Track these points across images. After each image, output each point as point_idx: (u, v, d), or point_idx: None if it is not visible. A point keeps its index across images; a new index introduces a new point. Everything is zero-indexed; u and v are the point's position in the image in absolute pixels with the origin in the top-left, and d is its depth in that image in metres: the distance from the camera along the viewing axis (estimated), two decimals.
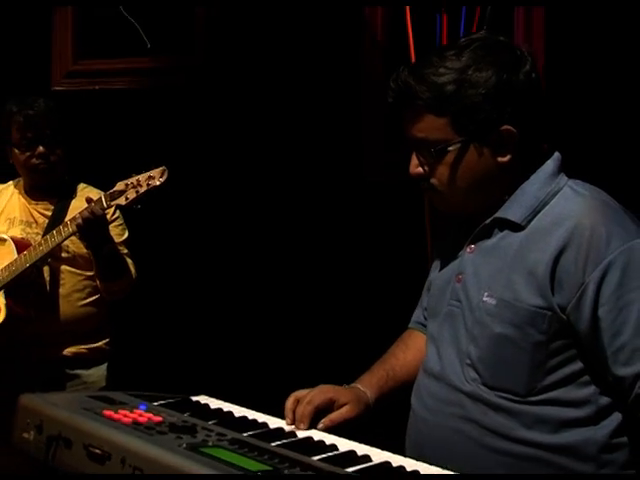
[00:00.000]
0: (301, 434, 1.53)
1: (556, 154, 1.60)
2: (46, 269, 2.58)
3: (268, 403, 1.68)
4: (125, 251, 2.66)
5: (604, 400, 1.49)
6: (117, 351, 2.79)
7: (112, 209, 2.61)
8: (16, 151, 2.65)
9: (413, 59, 4.30)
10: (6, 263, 2.54)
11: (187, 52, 4.87)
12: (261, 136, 4.68)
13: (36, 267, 2.52)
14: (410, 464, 1.36)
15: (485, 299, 1.52)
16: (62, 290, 2.61)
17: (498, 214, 1.57)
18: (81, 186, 2.77)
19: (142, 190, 2.31)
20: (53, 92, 5.12)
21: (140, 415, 1.47)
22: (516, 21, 4.09)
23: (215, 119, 4.80)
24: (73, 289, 2.61)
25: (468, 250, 1.61)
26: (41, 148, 2.61)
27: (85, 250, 2.57)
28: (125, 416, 1.46)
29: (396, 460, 1.38)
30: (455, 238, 1.69)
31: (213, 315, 4.61)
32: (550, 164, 1.58)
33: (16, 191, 2.73)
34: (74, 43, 5.18)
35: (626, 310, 1.42)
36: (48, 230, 2.61)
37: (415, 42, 4.32)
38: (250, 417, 1.58)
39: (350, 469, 1.29)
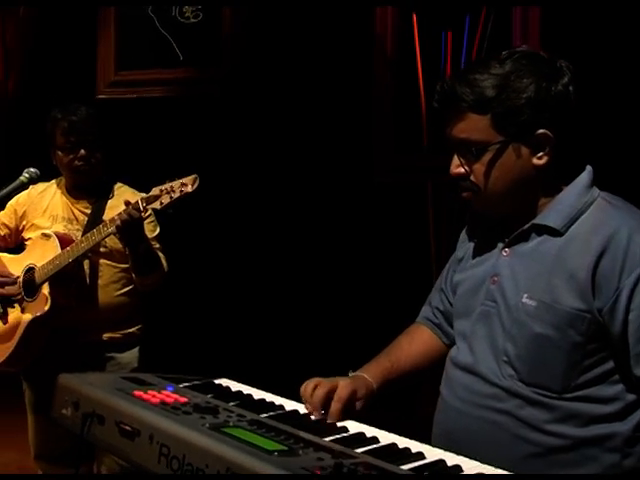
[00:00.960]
0: (314, 416, 1.49)
1: (589, 167, 1.56)
2: (86, 262, 2.57)
3: (284, 386, 1.64)
4: (157, 246, 2.63)
5: (630, 397, 1.45)
6: (148, 335, 2.77)
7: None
8: (60, 153, 2.63)
9: (420, 71, 4.28)
10: (50, 257, 2.52)
11: (214, 64, 4.89)
12: (280, 140, 4.67)
13: (77, 261, 2.50)
14: (415, 445, 1.32)
15: (525, 300, 1.47)
16: (100, 281, 2.60)
17: (537, 220, 1.52)
18: (117, 185, 2.75)
19: (175, 196, 2.28)
20: (97, 100, 5.14)
21: (167, 396, 1.44)
22: (514, 38, 4.04)
23: (238, 124, 4.81)
24: (110, 280, 2.60)
25: (504, 253, 1.55)
26: (83, 151, 2.58)
27: (121, 245, 2.55)
28: (154, 396, 1.43)
29: (402, 442, 1.34)
30: (484, 242, 1.63)
31: (236, 305, 4.63)
32: (585, 176, 1.54)
33: (59, 190, 2.71)
34: (116, 56, 5.21)
35: None
36: (88, 227, 2.59)
37: (422, 55, 4.31)
38: (268, 399, 1.55)
39: (359, 450, 1.26)
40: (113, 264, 2.62)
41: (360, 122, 4.52)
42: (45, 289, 2.53)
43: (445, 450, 1.30)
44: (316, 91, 4.58)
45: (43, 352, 2.56)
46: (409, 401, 1.71)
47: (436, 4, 4.25)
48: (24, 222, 2.70)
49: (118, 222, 2.34)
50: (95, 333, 2.59)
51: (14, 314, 2.59)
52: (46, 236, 2.58)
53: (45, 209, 2.68)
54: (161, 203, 2.29)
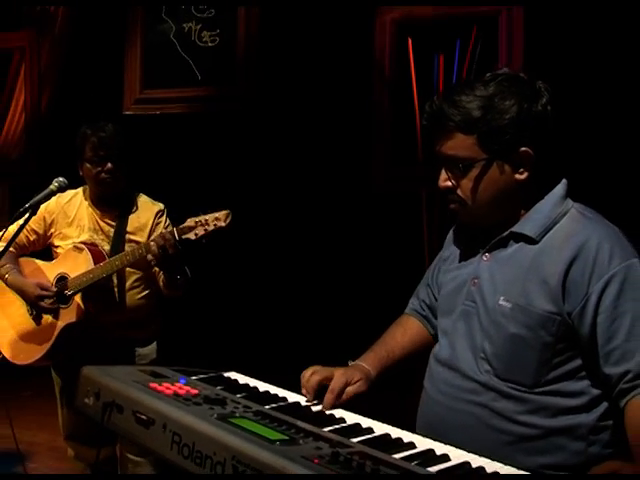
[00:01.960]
0: (315, 408, 1.46)
1: (564, 180, 1.54)
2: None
3: (290, 378, 1.62)
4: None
5: (595, 391, 1.44)
6: (166, 330, 2.74)
7: (163, 219, 2.58)
8: (88, 166, 2.59)
9: (415, 90, 4.27)
10: (82, 269, 2.51)
11: (230, 83, 4.90)
12: (287, 152, 4.68)
13: (113, 273, 2.49)
14: (407, 435, 1.30)
15: (501, 302, 1.46)
16: (126, 284, 2.57)
17: (515, 229, 1.50)
18: (140, 198, 2.70)
19: (210, 229, 2.25)
20: (124, 115, 5.15)
21: (180, 388, 1.42)
22: (500, 60, 4.03)
23: (249, 137, 4.82)
24: (132, 285, 2.57)
25: (484, 258, 1.54)
26: (109, 164, 2.55)
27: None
28: (167, 388, 1.41)
29: (395, 432, 1.32)
30: (468, 247, 1.62)
31: (247, 305, 4.64)
32: (560, 188, 1.52)
33: (85, 201, 2.67)
34: (141, 76, 5.23)
35: (620, 319, 1.38)
36: (114, 238, 2.57)
37: (417, 76, 4.30)
38: (272, 392, 1.52)
39: (355, 439, 1.24)
40: (136, 271, 2.59)
41: (360, 137, 4.52)
42: (78, 298, 2.52)
43: (434, 440, 1.28)
44: (320, 109, 4.59)
45: (73, 347, 2.55)
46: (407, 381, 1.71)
47: (430, 29, 4.24)
48: (52, 230, 2.67)
49: (155, 250, 2.28)
50: (119, 331, 2.57)
51: (48, 317, 2.59)
52: (78, 249, 2.55)
53: (72, 219, 2.65)
54: (195, 234, 2.25)
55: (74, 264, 2.54)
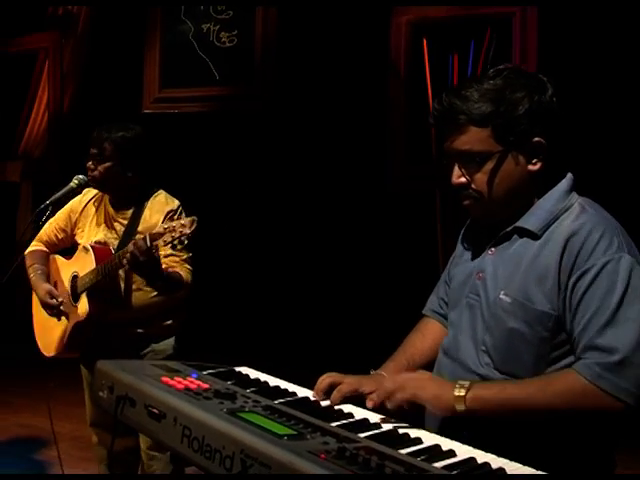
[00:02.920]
0: (324, 403, 1.45)
1: (569, 174, 1.53)
2: (122, 270, 2.52)
3: (303, 374, 1.61)
4: (184, 257, 2.52)
5: None
6: (183, 325, 2.72)
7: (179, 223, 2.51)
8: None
9: (429, 90, 4.26)
10: (88, 269, 2.52)
11: (247, 83, 4.91)
12: (303, 150, 4.68)
13: (109, 276, 2.46)
14: (414, 432, 1.29)
15: (501, 297, 1.45)
16: (133, 286, 2.56)
17: (519, 223, 1.49)
18: (157, 197, 2.62)
19: (176, 236, 2.24)
20: (143, 114, 5.18)
21: (191, 382, 1.42)
22: (514, 60, 4.01)
23: (265, 136, 4.83)
24: (142, 285, 2.54)
25: (490, 252, 1.53)
26: (90, 162, 2.52)
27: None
28: (179, 382, 1.41)
29: (403, 428, 1.31)
30: (477, 241, 1.61)
31: (263, 303, 4.65)
32: (564, 183, 1.51)
33: (105, 199, 2.66)
34: (160, 76, 5.26)
35: (584, 309, 1.36)
36: (123, 236, 2.56)
37: (431, 76, 4.28)
38: (282, 387, 1.52)
39: (362, 435, 1.23)
40: None
41: (375, 136, 4.51)
42: (84, 298, 2.53)
43: (441, 436, 1.27)
44: (336, 109, 4.59)
45: (94, 341, 2.56)
46: None
47: (444, 30, 4.23)
48: (76, 228, 2.68)
49: (127, 256, 2.26)
50: (132, 328, 2.56)
51: (64, 314, 2.62)
52: (85, 249, 2.56)
53: (93, 217, 2.66)
54: (164, 241, 2.25)
55: (82, 263, 2.56)
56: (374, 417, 1.36)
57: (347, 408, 1.41)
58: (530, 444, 1.36)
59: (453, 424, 1.37)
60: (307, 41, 4.68)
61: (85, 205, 2.69)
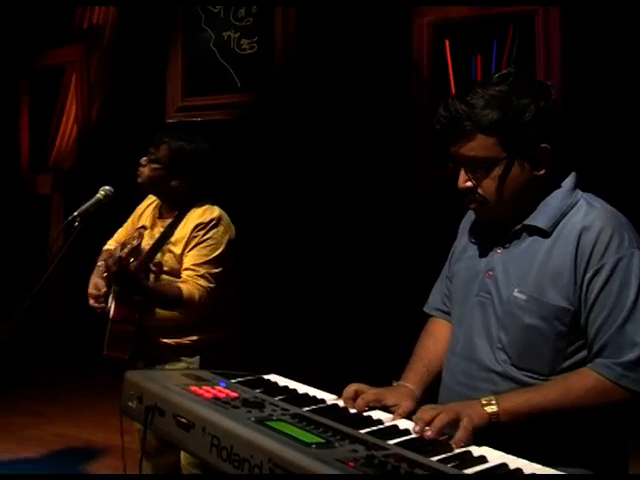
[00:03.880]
0: (352, 410, 1.44)
1: (573, 172, 1.54)
2: (152, 276, 2.51)
3: (327, 377, 1.60)
4: (202, 272, 2.40)
5: None
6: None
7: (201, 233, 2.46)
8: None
9: (453, 92, 4.23)
10: None
11: (269, 89, 4.92)
12: (328, 153, 4.68)
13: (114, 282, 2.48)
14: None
15: (516, 294, 1.46)
16: None
17: (528, 221, 1.50)
18: (199, 209, 2.51)
19: (129, 247, 2.28)
20: (167, 123, 5.22)
21: (220, 391, 1.41)
22: (537, 59, 3.96)
23: (290, 141, 4.82)
24: None
25: (498, 251, 1.53)
26: (143, 159, 2.53)
27: (179, 265, 2.47)
28: (207, 392, 1.40)
29: None
30: (481, 238, 1.61)
31: (294, 305, 4.64)
32: (569, 181, 1.53)
33: (158, 205, 2.66)
34: (183, 84, 5.30)
35: (600, 307, 1.39)
36: (154, 243, 2.54)
37: (454, 77, 4.26)
38: (311, 394, 1.51)
39: (391, 441, 1.22)
40: (173, 279, 2.52)
41: (401, 138, 4.50)
42: (111, 299, 2.52)
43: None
44: (360, 111, 4.58)
45: (138, 346, 2.51)
46: None
47: (466, 30, 4.20)
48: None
49: (103, 267, 2.31)
50: (163, 338, 2.52)
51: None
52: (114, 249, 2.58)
53: (146, 221, 2.66)
54: (123, 252, 2.28)
55: None
56: (403, 424, 1.34)
57: (376, 415, 1.40)
58: (544, 437, 1.37)
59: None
60: (328, 45, 4.67)
61: (144, 209, 2.68)
